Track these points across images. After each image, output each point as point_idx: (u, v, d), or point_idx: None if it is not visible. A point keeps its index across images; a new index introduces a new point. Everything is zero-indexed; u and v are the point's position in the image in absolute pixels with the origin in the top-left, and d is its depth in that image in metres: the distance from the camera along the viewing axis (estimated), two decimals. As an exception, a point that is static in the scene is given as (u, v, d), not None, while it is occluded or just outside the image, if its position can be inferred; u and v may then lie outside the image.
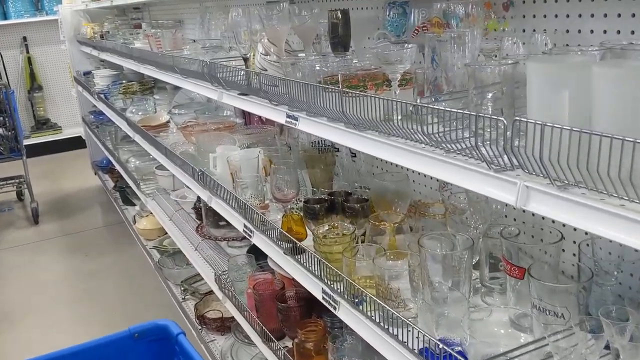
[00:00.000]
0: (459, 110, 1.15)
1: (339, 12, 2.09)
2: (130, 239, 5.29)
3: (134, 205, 5.68)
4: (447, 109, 1.18)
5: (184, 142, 3.47)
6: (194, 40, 3.99)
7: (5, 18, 8.36)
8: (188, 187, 2.96)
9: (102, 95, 5.35)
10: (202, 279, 3.36)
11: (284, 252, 1.99)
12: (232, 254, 3.23)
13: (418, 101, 1.51)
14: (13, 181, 6.38)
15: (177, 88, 4.80)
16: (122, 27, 5.42)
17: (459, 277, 1.49)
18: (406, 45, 1.50)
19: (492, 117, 1.07)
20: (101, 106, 5.33)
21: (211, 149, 2.74)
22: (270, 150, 2.57)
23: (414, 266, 1.54)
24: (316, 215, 1.88)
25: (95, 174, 7.18)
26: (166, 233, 4.31)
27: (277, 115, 2.08)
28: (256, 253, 2.78)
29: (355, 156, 2.37)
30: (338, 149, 2.48)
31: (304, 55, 2.20)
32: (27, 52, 8.66)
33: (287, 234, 1.93)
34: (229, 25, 2.54)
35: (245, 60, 2.41)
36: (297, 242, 1.89)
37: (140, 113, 4.38)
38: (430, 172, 1.34)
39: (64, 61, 8.22)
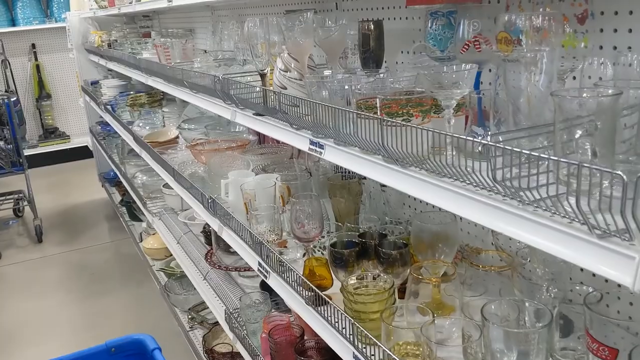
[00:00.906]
0: (562, 160, 0.87)
1: (371, 22, 1.81)
2: (137, 258, 5.03)
3: (141, 221, 5.43)
4: (540, 155, 0.89)
5: (193, 161, 3.20)
6: (205, 51, 3.74)
7: (14, 25, 8.16)
8: (198, 212, 2.68)
9: (108, 107, 5.11)
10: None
11: (306, 302, 1.71)
12: (243, 285, 2.96)
13: (468, 132, 1.24)
14: (12, 197, 6.14)
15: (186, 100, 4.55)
16: (130, 36, 5.18)
17: (528, 346, 1.20)
18: (465, 65, 1.22)
19: (606, 169, 0.79)
20: (108, 118, 5.09)
21: (222, 172, 2.47)
22: (288, 176, 2.29)
23: (470, 334, 1.25)
24: (345, 263, 1.59)
25: (102, 186, 6.93)
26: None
27: (299, 141, 1.81)
28: (268, 287, 2.51)
29: (385, 185, 2.08)
30: (365, 176, 2.19)
31: (329, 72, 1.93)
32: (36, 59, 8.46)
33: (309, 282, 1.65)
34: (244, 36, 2.28)
35: (262, 76, 2.14)
36: (320, 293, 1.61)
37: (147, 127, 4.13)
38: (502, 229, 1.06)
39: (72, 69, 8.02)
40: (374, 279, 1.51)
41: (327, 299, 1.62)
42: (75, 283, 4.88)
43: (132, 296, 4.52)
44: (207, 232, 3.33)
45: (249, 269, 2.89)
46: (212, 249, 3.17)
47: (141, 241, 5.00)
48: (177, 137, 3.81)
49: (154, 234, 4.77)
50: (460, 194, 1.20)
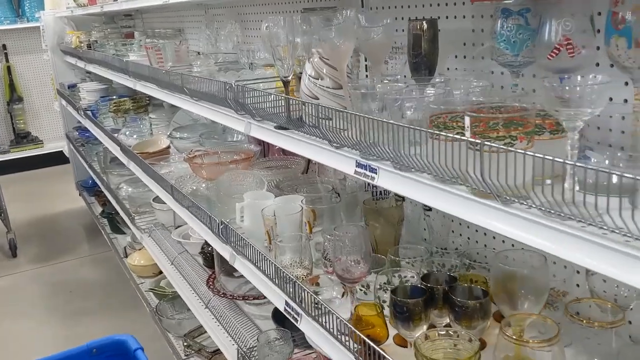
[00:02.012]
0: None
1: (424, 22, 1.53)
2: (120, 273, 4.67)
3: (124, 234, 5.08)
4: None
5: (191, 175, 2.89)
6: (199, 53, 3.43)
7: (-18, 25, 7.73)
8: (203, 237, 2.37)
9: (89, 112, 4.75)
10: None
11: (355, 358, 1.42)
12: (251, 314, 2.66)
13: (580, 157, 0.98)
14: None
15: (175, 106, 4.23)
16: (112, 36, 4.83)
17: None
18: (600, 78, 0.94)
19: None
20: (88, 124, 4.74)
21: (232, 192, 2.17)
22: (310, 197, 2.00)
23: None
24: (410, 315, 1.31)
25: (80, 194, 6.54)
26: (162, 271, 3.74)
27: (340, 161, 1.52)
28: (282, 315, 2.23)
29: (430, 210, 1.81)
30: (403, 197, 1.92)
31: (367, 79, 1.65)
32: (7, 61, 8.03)
33: (359, 332, 1.36)
34: (262, 38, 1.98)
35: (285, 83, 1.85)
36: (378, 349, 1.32)
37: (135, 136, 3.80)
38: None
39: (46, 71, 7.62)
40: (451, 335, 1.24)
41: (383, 353, 1.33)
42: (53, 301, 4.52)
43: (117, 317, 4.17)
44: (206, 253, 3.03)
45: (258, 297, 2.60)
46: (213, 272, 2.87)
47: (126, 256, 4.65)
48: (169, 146, 3.50)
49: (140, 250, 4.43)
50: (591, 242, 0.93)
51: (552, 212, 0.97)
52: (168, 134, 3.60)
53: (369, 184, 2.10)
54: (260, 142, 3.16)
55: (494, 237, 1.81)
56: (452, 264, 1.66)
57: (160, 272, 4.14)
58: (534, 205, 1.00)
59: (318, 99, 1.70)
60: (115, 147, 3.72)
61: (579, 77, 1.02)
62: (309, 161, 2.66)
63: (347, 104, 1.69)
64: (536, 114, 1.11)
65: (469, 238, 1.89)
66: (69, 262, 5.23)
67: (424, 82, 1.53)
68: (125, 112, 4.23)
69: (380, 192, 2.08)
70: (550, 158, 0.89)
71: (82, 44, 5.05)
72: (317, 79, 1.71)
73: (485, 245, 1.83)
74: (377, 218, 1.82)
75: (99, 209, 5.82)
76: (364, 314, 1.42)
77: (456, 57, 1.77)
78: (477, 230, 1.87)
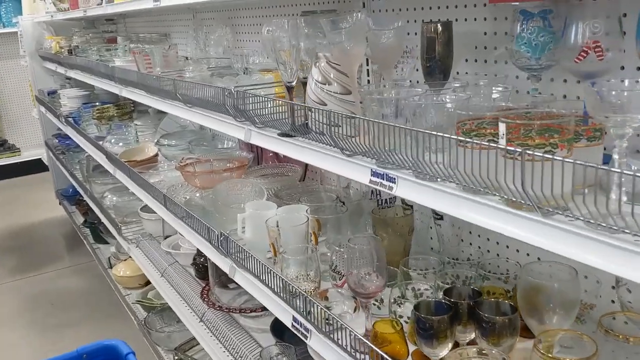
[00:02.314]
0: None
1: (438, 24, 1.47)
2: (104, 284, 4.54)
3: (107, 243, 4.95)
4: None
5: (184, 184, 2.80)
6: (187, 58, 3.34)
7: (-43, 30, 7.54)
8: (201, 250, 2.28)
9: (70, 119, 4.63)
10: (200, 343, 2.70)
11: (375, 377, 1.35)
12: (247, 327, 2.57)
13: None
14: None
15: (162, 112, 4.13)
16: (94, 41, 4.71)
17: None
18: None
19: None
20: (70, 132, 4.61)
21: (231, 201, 2.09)
22: (317, 208, 1.93)
23: None
24: (436, 332, 1.24)
25: (60, 203, 6.39)
26: (149, 281, 3.63)
27: (353, 170, 1.45)
28: (281, 327, 2.15)
29: (441, 218, 1.75)
30: (411, 205, 1.85)
31: (372, 85, 1.59)
32: (-18, 67, 7.84)
33: (382, 352, 1.29)
34: (262, 42, 1.91)
35: (290, 89, 1.77)
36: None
37: (121, 143, 3.69)
38: None
39: (23, 78, 7.45)
40: (480, 354, 1.17)
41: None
42: (33, 315, 4.37)
43: (102, 330, 4.04)
44: (198, 264, 2.93)
45: (256, 309, 2.52)
46: (207, 284, 2.78)
47: (110, 267, 4.53)
48: (157, 154, 3.40)
49: (125, 260, 4.32)
50: None
51: (601, 224, 0.91)
52: (155, 141, 3.50)
53: (373, 191, 2.04)
54: (252, 149, 3.08)
55: (507, 246, 1.75)
56: (467, 275, 1.59)
57: (147, 283, 4.03)
58: (579, 217, 0.94)
59: (326, 104, 1.63)
60: (101, 155, 3.61)
61: (626, 82, 0.97)
62: (306, 168, 2.59)
63: (357, 110, 1.62)
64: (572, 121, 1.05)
65: (479, 247, 1.84)
66: (49, 273, 5.08)
67: (438, 86, 1.47)
68: (109, 119, 4.12)
69: (385, 200, 2.01)
70: (605, 168, 0.84)
71: (63, 50, 4.92)
72: (325, 84, 1.64)
73: (497, 255, 1.77)
74: (385, 228, 1.75)
75: (81, 219, 5.68)
76: (384, 330, 1.35)
77: (466, 60, 1.71)
78: (488, 239, 1.81)
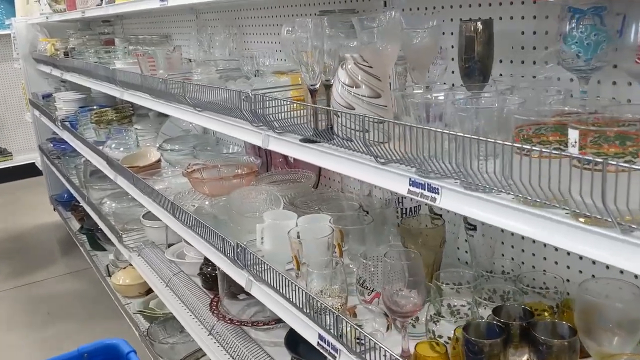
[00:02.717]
0: None
1: (479, 22, 1.38)
2: (102, 293, 4.42)
3: (105, 250, 4.83)
4: None
5: (190, 191, 2.69)
6: (190, 60, 3.23)
7: (-52, 32, 7.38)
8: (212, 261, 2.17)
9: (67, 123, 4.50)
10: (206, 354, 2.59)
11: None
12: (259, 340, 2.46)
13: None
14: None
15: (162, 115, 4.02)
16: (90, 43, 4.59)
17: None
18: None
19: None
20: (67, 136, 4.48)
21: (245, 210, 1.99)
22: (339, 218, 1.83)
23: None
24: (488, 358, 1.14)
25: (55, 209, 6.25)
26: (150, 289, 3.51)
27: (389, 180, 1.35)
28: (296, 340, 2.06)
29: (474, 229, 1.65)
30: (440, 214, 1.75)
31: (414, 87, 1.49)
32: (-27, 70, 7.69)
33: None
34: (281, 43, 1.81)
35: (313, 92, 1.67)
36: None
37: (121, 148, 3.57)
38: None
39: (15, 80, 7.31)
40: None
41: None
42: (29, 324, 4.25)
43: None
44: (205, 274, 2.82)
45: (269, 322, 2.42)
46: (215, 296, 2.67)
47: (109, 275, 4.41)
48: (159, 160, 3.29)
49: (124, 268, 4.20)
50: None
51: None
52: (157, 146, 3.39)
53: (398, 200, 1.95)
54: (259, 154, 2.98)
55: (544, 258, 1.66)
56: (504, 289, 1.50)
57: (148, 292, 3.92)
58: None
59: (354, 108, 1.53)
60: (101, 161, 3.50)
61: None
62: (319, 174, 2.49)
63: (387, 115, 1.53)
64: None
65: (512, 259, 1.74)
66: (45, 281, 4.95)
67: (477, 89, 1.38)
68: (108, 122, 4.00)
69: (410, 209, 1.92)
70: None
71: (59, 52, 4.80)
72: (352, 87, 1.54)
73: (533, 267, 1.68)
74: (414, 239, 1.65)
75: (76, 224, 5.56)
76: (427, 354, 1.25)
77: (501, 61, 1.61)
78: (523, 250, 1.72)
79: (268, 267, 1.78)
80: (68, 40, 4.78)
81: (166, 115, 3.78)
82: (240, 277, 1.95)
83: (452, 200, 1.19)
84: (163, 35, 3.88)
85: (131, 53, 3.70)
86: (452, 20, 1.71)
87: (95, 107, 4.40)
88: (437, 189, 1.22)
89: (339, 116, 1.53)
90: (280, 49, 2.65)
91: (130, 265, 3.88)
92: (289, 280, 1.70)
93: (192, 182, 2.54)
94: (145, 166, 3.15)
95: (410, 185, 1.28)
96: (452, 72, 1.69)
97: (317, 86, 1.66)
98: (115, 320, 4.04)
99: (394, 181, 1.33)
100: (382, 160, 1.38)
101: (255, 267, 1.85)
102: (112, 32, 5.04)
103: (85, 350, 2.36)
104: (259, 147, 3.00)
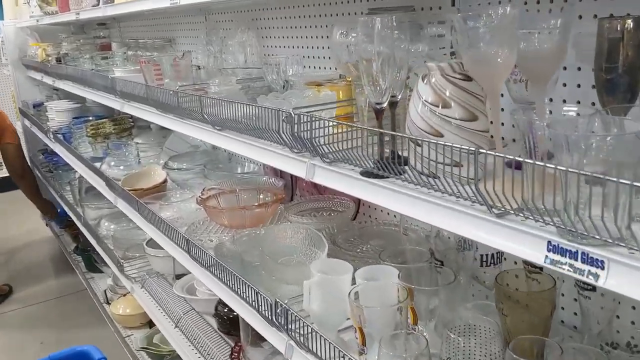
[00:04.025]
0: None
1: (629, 20, 0.99)
2: (100, 321, 4.00)
3: (102, 272, 4.43)
4: None
5: (205, 220, 2.30)
6: (199, 68, 2.84)
7: None
8: (244, 316, 1.77)
9: (60, 136, 4.10)
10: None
11: None
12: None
13: None
14: None
15: (164, 128, 3.63)
16: (85, 48, 4.20)
17: None
18: None
19: None
20: (59, 150, 4.08)
21: (280, 252, 1.61)
22: (406, 271, 1.43)
23: None
24: None
25: (47, 225, 5.84)
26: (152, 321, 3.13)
27: (513, 240, 0.97)
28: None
29: (592, 289, 1.27)
30: (542, 268, 1.36)
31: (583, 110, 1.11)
32: (-40, 76, 7.27)
33: None
34: (331, 48, 1.43)
35: (379, 112, 1.29)
36: None
37: (122, 166, 3.18)
38: None
39: (5, 88, 6.89)
40: None
41: None
42: (21, 356, 3.84)
43: (102, 379, 3.52)
44: (221, 315, 2.43)
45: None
46: (237, 344, 2.28)
47: (107, 302, 4.01)
48: (165, 181, 2.89)
49: (124, 295, 3.80)
50: None
51: None
52: (163, 163, 3.00)
53: (465, 241, 1.56)
54: (283, 174, 2.59)
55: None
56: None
57: (151, 322, 3.53)
58: None
59: (442, 135, 1.15)
60: (99, 181, 3.10)
61: None
62: (359, 201, 2.11)
63: (486, 144, 1.15)
64: None
65: (632, 322, 1.36)
66: (37, 305, 4.55)
67: (623, 110, 1.00)
68: (105, 136, 3.60)
69: (488, 256, 1.53)
70: None
71: (50, 58, 4.40)
72: (438, 106, 1.15)
73: (667, 337, 1.30)
74: (514, 305, 1.27)
75: (70, 242, 5.17)
76: None
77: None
78: (651, 315, 1.34)
79: (316, 333, 1.39)
80: (60, 44, 4.39)
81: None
82: (277, 339, 1.56)
83: (626, 278, 0.81)
84: (166, 39, 3.49)
85: (131, 59, 3.32)
86: (580, 17, 1.30)
87: (91, 118, 4.01)
88: (602, 261, 0.83)
89: (420, 145, 1.15)
90: (309, 54, 2.27)
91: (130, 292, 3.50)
92: (343, 352, 1.32)
93: (209, 211, 2.15)
94: (149, 188, 2.76)
95: (551, 251, 0.90)
96: (564, 84, 1.31)
97: (385, 104, 1.27)
98: (115, 353, 3.63)
99: (521, 243, 0.95)
100: (497, 212, 0.99)
101: (298, 330, 1.46)
102: (108, 36, 4.65)
103: (56, 358, 2.34)
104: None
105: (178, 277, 2.93)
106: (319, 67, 2.23)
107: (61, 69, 3.85)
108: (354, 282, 1.44)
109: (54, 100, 5.08)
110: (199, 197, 2.23)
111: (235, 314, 2.31)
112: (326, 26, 2.15)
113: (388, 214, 2.03)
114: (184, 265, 2.09)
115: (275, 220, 2.18)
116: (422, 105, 1.18)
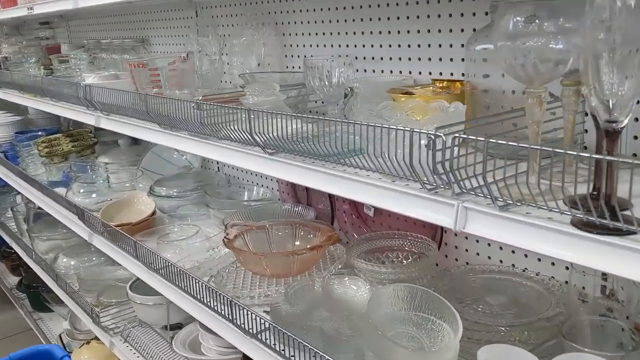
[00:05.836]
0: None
1: None
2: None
3: (52, 311, 3.80)
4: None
5: (229, 266, 1.81)
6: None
7: None
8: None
9: (1, 155, 3.46)
10: None
11: None
12: None
13: None
14: None
15: (136, 143, 3.08)
16: (28, 51, 3.58)
17: None
18: None
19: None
20: (4, 173, 3.44)
21: (383, 324, 1.16)
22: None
23: None
24: None
25: (-23, 255, 5.08)
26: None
27: None
28: None
29: None
30: None
31: None
32: None
33: None
34: (500, 46, 0.99)
35: (611, 134, 0.86)
36: None
37: (94, 194, 2.60)
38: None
39: None
40: None
41: None
42: None
43: None
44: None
45: None
46: None
47: (67, 351, 3.39)
48: (154, 212, 2.36)
49: (88, 343, 3.20)
50: None
51: None
52: (149, 190, 2.46)
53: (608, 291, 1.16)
54: (310, 199, 2.14)
55: None
56: None
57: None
58: None
59: None
60: (67, 213, 2.51)
61: None
62: (441, 236, 1.67)
63: None
64: None
65: None
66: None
67: None
68: (63, 156, 3.00)
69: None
70: None
71: (-16, 62, 3.74)
72: None
73: None
74: None
75: (9, 276, 4.47)
76: None
77: None
78: None
79: None
80: (0, 46, 3.73)
81: (146, 145, 2.85)
82: None
83: None
84: (137, 39, 2.94)
85: (99, 63, 2.76)
86: None
87: (40, 133, 3.39)
88: None
89: None
90: (361, 54, 1.82)
91: (96, 338, 2.93)
92: None
93: (242, 257, 1.67)
94: (139, 222, 2.23)
95: None
96: None
97: (625, 123, 0.85)
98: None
99: None
100: None
101: None
102: (52, 37, 4.02)
103: (17, 358, 2.30)
104: (305, 187, 2.17)
105: (170, 328, 2.40)
106: (373, 71, 1.79)
107: (4, 75, 3.21)
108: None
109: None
110: (225, 238, 1.74)
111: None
112: (388, 19, 1.71)
113: (478, 254, 1.61)
114: (220, 334, 1.58)
115: (327, 266, 1.72)
116: None
